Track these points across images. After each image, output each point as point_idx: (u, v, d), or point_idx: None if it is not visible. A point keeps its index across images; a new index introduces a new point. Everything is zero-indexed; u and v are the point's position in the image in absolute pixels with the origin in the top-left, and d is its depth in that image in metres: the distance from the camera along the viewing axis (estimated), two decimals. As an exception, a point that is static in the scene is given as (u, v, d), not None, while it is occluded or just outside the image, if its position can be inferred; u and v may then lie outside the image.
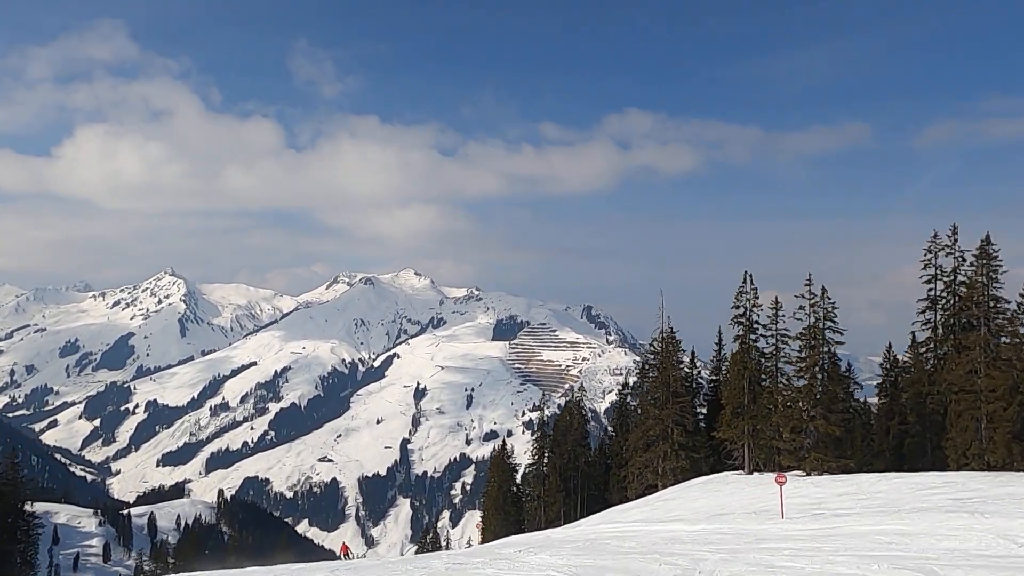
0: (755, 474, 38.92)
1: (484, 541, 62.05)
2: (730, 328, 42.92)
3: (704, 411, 50.35)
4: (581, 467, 56.30)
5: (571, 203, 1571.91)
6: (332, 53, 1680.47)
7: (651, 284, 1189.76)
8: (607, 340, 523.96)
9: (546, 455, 58.80)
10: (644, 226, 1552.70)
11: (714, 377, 51.57)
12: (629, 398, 57.06)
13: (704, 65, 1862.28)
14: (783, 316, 40.05)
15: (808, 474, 35.06)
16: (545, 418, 60.55)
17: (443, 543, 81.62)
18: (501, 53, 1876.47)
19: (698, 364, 54.70)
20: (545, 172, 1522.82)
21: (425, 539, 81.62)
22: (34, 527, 72.73)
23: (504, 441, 72.35)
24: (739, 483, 35.05)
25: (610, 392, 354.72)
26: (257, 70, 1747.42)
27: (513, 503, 62.51)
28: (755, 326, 42.01)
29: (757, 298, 42.01)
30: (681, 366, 47.80)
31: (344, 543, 49.82)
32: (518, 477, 64.83)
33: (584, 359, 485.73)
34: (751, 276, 42.17)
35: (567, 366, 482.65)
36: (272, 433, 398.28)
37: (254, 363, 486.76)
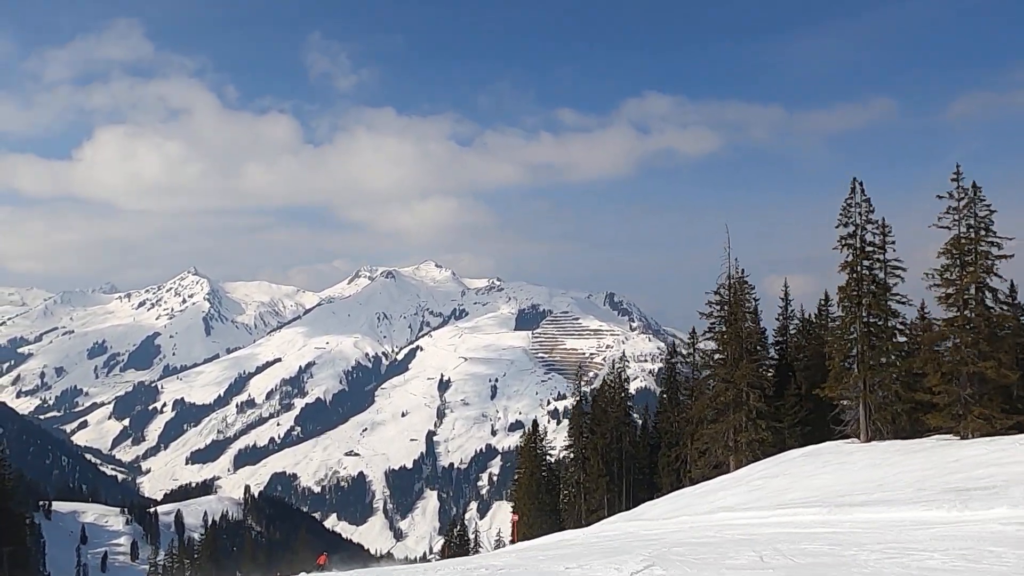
0: (875, 442, 30.97)
1: (516, 539, 58.80)
2: (837, 253, 33.32)
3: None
4: (626, 448, 50.69)
5: (590, 190, 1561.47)
6: (346, 46, 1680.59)
7: (673, 270, 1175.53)
8: (631, 327, 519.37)
9: (585, 435, 53.04)
10: (665, 212, 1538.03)
11: (779, 338, 44.59)
12: (679, 366, 49.52)
13: (723, 44, 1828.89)
14: (892, 243, 32.22)
15: (963, 436, 27.63)
16: (586, 396, 55.59)
17: (471, 536, 78.76)
18: (516, 39, 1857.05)
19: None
20: (563, 160, 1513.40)
21: (452, 532, 78.60)
22: (32, 526, 70.81)
23: (535, 421, 67.20)
24: (859, 453, 27.58)
25: (635, 378, 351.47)
26: (272, 65, 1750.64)
27: (548, 491, 57.83)
28: (869, 249, 32.78)
29: (872, 211, 32.58)
30: (751, 316, 40.12)
31: (324, 553, 44.99)
32: (552, 462, 61.02)
33: (608, 346, 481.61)
34: (862, 184, 32.73)
35: (591, 354, 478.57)
36: (298, 429, 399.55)
37: (279, 359, 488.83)
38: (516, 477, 64.09)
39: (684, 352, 48.18)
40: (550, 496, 57.29)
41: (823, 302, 44.53)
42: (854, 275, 32.94)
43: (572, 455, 54.41)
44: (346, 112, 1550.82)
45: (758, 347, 40.19)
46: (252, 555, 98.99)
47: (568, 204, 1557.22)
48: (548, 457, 60.32)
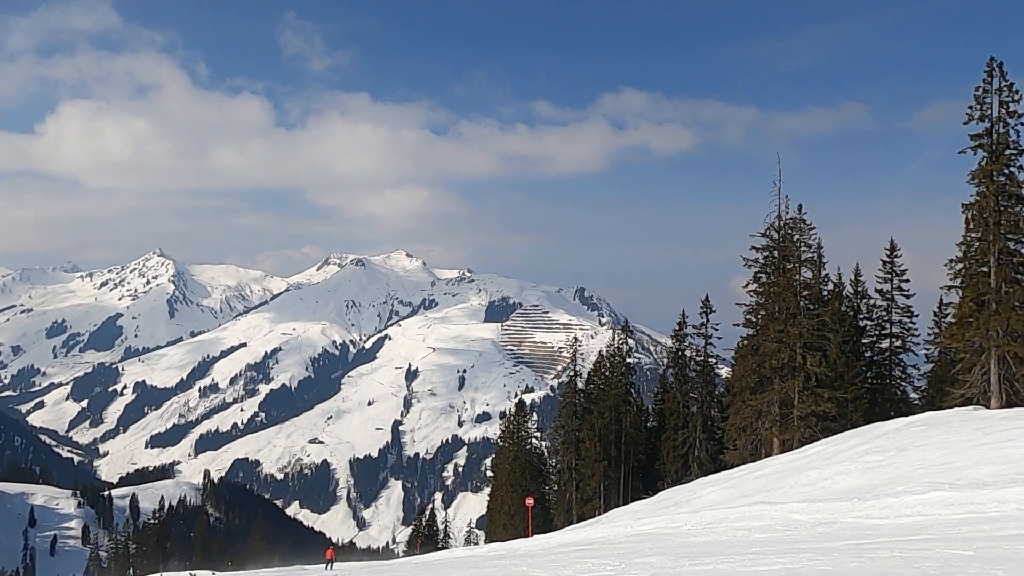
0: (1010, 409, 23.45)
1: (492, 536, 54.59)
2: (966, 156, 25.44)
3: None
4: (626, 430, 44.68)
5: (565, 184, 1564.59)
6: (321, 26, 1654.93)
7: (644, 268, 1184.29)
8: (600, 322, 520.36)
9: (579, 415, 47.55)
10: (638, 208, 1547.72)
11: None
12: (689, 339, 43.32)
13: (701, 43, 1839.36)
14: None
15: None
16: (549, 393, 52.62)
17: (440, 525, 76.94)
18: (495, 29, 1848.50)
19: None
20: (539, 152, 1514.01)
21: (420, 522, 76.45)
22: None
23: (521, 400, 61.60)
24: (1001, 422, 20.26)
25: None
26: (245, 44, 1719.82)
27: (533, 478, 52.50)
28: (1011, 152, 24.74)
29: (1016, 99, 24.62)
30: (811, 263, 33.14)
31: (330, 548, 42.66)
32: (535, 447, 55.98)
33: (577, 340, 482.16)
34: (1001, 65, 24.74)
35: (560, 348, 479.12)
36: (262, 415, 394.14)
37: (244, 344, 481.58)
38: (494, 462, 60.09)
39: (696, 325, 42.10)
40: (535, 484, 52.89)
41: (890, 252, 36.91)
42: (990, 186, 24.89)
43: (561, 438, 49.13)
44: (320, 96, 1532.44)
45: (816, 301, 33.11)
46: (205, 542, 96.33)
47: (541, 197, 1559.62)
48: (533, 439, 55.85)
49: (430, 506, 75.50)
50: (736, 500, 18.92)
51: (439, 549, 67.14)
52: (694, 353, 42.80)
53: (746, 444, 32.89)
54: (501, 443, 57.11)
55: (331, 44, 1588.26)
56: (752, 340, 34.60)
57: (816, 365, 30.78)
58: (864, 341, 36.75)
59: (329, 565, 35.25)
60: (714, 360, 42.17)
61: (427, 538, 71.01)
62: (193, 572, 50.14)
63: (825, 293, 35.48)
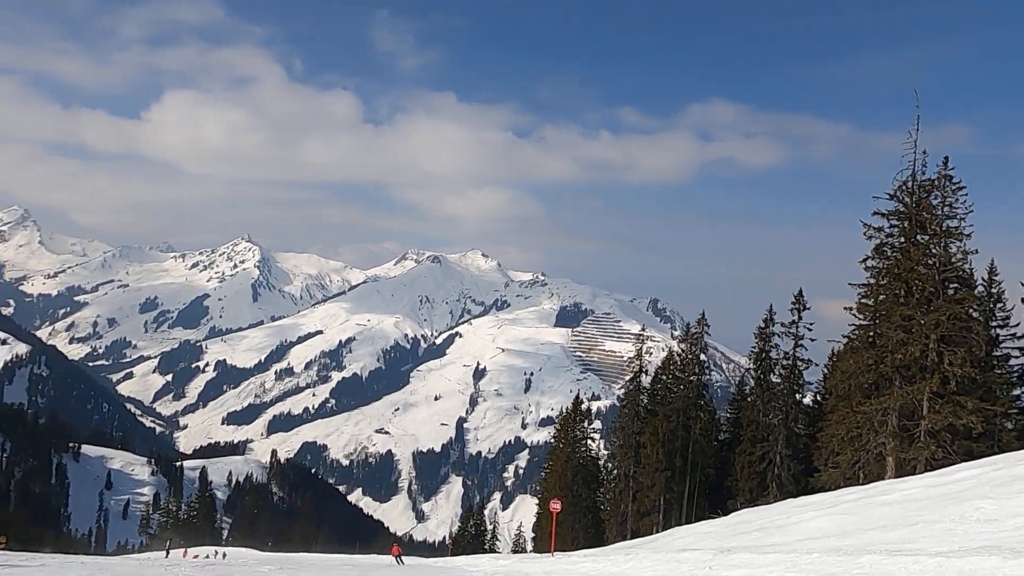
0: None
1: (540, 543, 52.26)
2: None
3: None
4: (695, 438, 39.61)
5: (645, 193, 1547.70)
6: (413, 24, 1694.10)
7: (721, 283, 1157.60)
8: (672, 335, 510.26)
9: (641, 417, 42.70)
10: (719, 222, 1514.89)
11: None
12: (776, 339, 37.15)
13: (795, 58, 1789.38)
14: None
15: None
16: (615, 403, 48.25)
17: (488, 527, 76.13)
18: (583, 33, 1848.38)
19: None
20: (621, 160, 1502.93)
21: (468, 522, 75.45)
22: (59, 467, 71.48)
23: (577, 397, 56.00)
24: None
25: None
26: (339, 40, 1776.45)
27: (586, 484, 48.21)
28: None
29: None
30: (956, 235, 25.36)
31: (396, 545, 42.94)
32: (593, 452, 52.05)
33: (648, 352, 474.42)
34: None
35: (629, 358, 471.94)
36: (333, 401, 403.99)
37: (320, 332, 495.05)
38: (547, 464, 56.77)
39: (785, 323, 36.08)
40: (588, 491, 48.67)
41: None
42: None
43: (620, 442, 44.08)
44: (408, 93, 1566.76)
45: (962, 282, 25.95)
46: (266, 520, 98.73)
47: (621, 205, 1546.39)
48: (590, 441, 51.57)
49: (478, 507, 74.04)
50: (857, 533, 13.94)
51: (484, 551, 66.44)
52: (780, 356, 36.76)
53: (850, 461, 26.75)
54: (554, 443, 54.23)
55: (421, 42, 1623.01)
56: (868, 331, 27.37)
57: (958, 365, 23.49)
58: (996, 353, 29.31)
59: (399, 560, 36.18)
60: (804, 365, 36.17)
61: (474, 538, 70.19)
62: (217, 549, 51.31)
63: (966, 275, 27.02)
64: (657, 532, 37.37)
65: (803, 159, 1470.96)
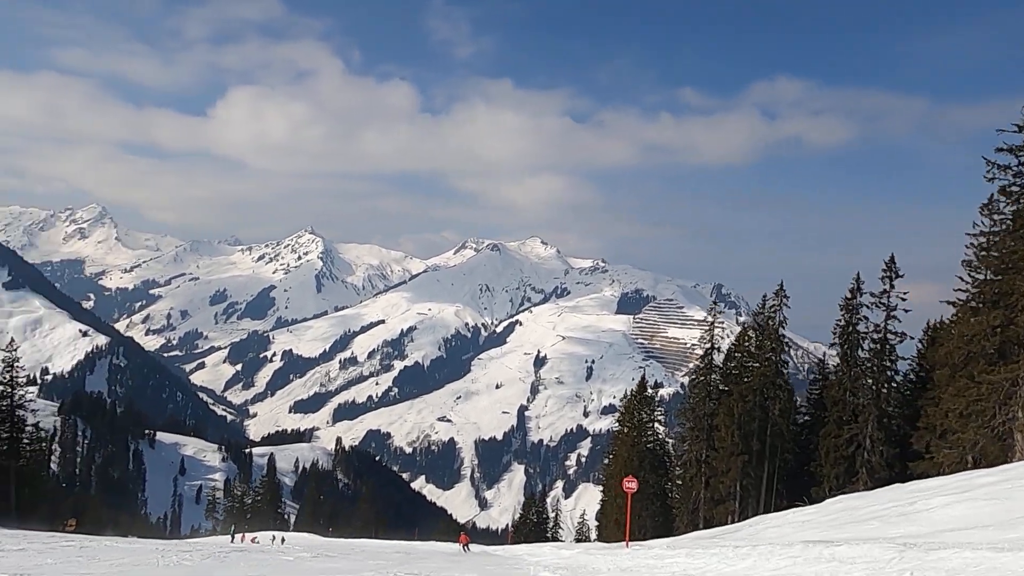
0: None
1: (604, 532, 50.73)
2: None
3: None
4: (773, 419, 36.25)
5: (707, 176, 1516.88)
6: (467, 12, 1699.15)
7: (788, 268, 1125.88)
8: (737, 321, 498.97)
9: (713, 397, 39.84)
10: (786, 204, 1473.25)
11: None
12: (864, 311, 33.44)
13: (865, 29, 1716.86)
14: None
15: None
16: (679, 391, 43.50)
17: (551, 515, 74.68)
18: (641, 14, 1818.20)
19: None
20: (682, 142, 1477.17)
21: (529, 510, 74.22)
22: (136, 453, 73.05)
23: (643, 378, 53.20)
24: None
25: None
26: (395, 30, 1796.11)
27: (654, 470, 45.39)
28: None
29: None
30: None
31: (464, 534, 42.15)
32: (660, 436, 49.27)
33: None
34: None
35: (692, 345, 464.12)
36: (395, 390, 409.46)
37: (382, 321, 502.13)
38: (611, 450, 54.43)
39: (875, 292, 32.45)
40: (655, 477, 45.77)
41: None
42: None
43: (691, 423, 41.33)
44: (464, 82, 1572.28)
45: None
46: (331, 505, 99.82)
47: (682, 189, 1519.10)
48: (657, 424, 48.50)
49: (539, 495, 72.63)
50: (1018, 524, 11.41)
51: (546, 540, 64.96)
52: (870, 329, 33.20)
53: (973, 438, 23.17)
54: (618, 428, 51.73)
55: (476, 30, 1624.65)
56: (991, 287, 24.01)
57: None
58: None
59: (465, 548, 35.70)
60: (897, 339, 32.64)
61: (535, 526, 68.75)
62: (275, 534, 51.25)
63: None
64: (733, 521, 34.87)
65: (874, 136, 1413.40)
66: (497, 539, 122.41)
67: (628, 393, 52.77)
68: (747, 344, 39.79)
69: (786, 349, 37.66)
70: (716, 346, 41.82)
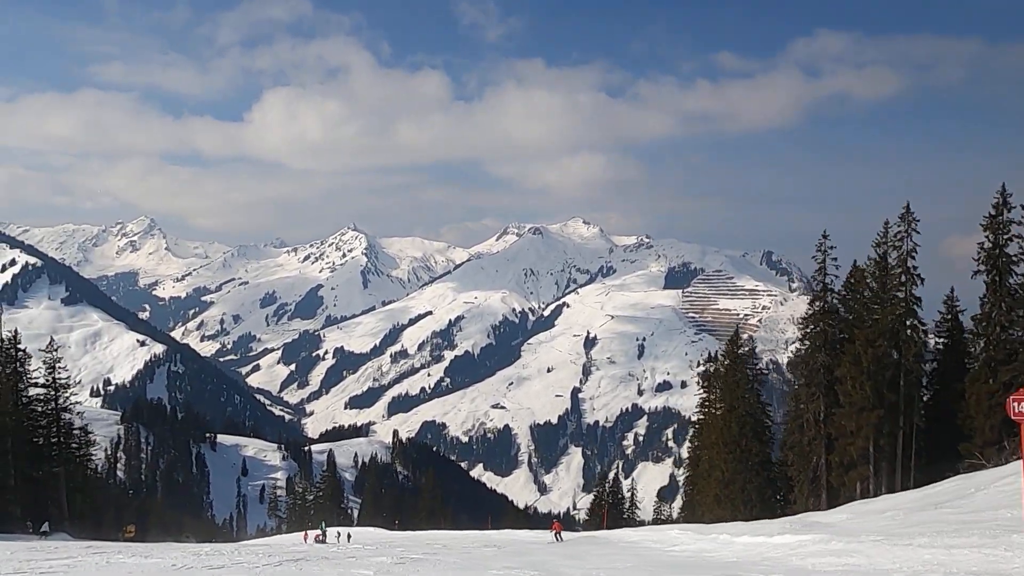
0: None
1: (693, 510, 46.14)
2: None
3: None
4: (907, 366, 31.59)
5: (750, 142, 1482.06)
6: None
7: (838, 229, 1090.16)
8: (790, 288, 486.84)
9: (830, 341, 34.86)
10: (832, 165, 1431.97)
11: None
12: (1014, 229, 28.94)
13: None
14: None
15: None
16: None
17: (625, 494, 71.01)
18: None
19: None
20: (722, 109, 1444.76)
21: (603, 488, 70.15)
22: (198, 457, 71.97)
23: (737, 332, 47.74)
24: None
25: (794, 343, 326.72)
26: (423, 18, 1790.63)
27: (757, 437, 39.90)
28: None
29: None
30: None
31: (557, 521, 38.72)
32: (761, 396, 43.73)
33: (764, 307, 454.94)
34: None
35: (745, 315, 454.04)
36: (447, 380, 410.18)
37: (430, 313, 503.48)
38: (698, 419, 49.31)
39: None
40: (759, 444, 39.73)
41: None
42: None
43: (804, 379, 36.22)
44: (495, 66, 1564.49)
45: None
46: (392, 498, 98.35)
47: (724, 157, 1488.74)
48: (756, 385, 42.75)
49: (612, 473, 69.26)
50: None
51: (626, 521, 61.55)
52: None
53: None
54: (705, 394, 47.05)
55: (505, 10, 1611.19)
56: None
57: None
58: None
59: (558, 536, 32.72)
60: None
61: (611, 507, 65.33)
62: (340, 530, 48.37)
63: None
64: (869, 490, 30.23)
65: (926, 85, 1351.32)
66: (565, 523, 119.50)
67: (716, 354, 48.80)
68: (867, 281, 34.24)
69: (917, 283, 32.40)
70: (828, 285, 36.27)
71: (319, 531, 47.63)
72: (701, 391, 50.27)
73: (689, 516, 49.07)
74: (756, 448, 39.45)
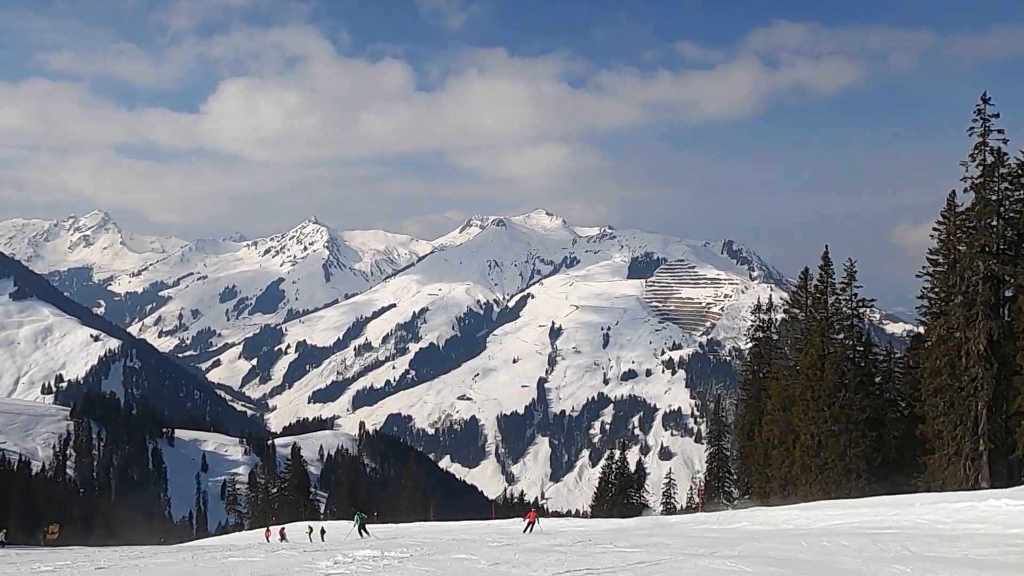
0: None
1: (753, 487, 38.20)
2: None
3: None
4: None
5: (711, 132, 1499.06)
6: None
7: (797, 219, 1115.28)
8: (750, 276, 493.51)
9: (988, 231, 27.81)
10: (791, 154, 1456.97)
11: None
12: None
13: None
14: None
15: None
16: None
17: (632, 474, 64.54)
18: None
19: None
20: (683, 99, 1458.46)
21: (610, 469, 63.78)
22: (155, 452, 68.86)
23: (827, 250, 35.84)
24: None
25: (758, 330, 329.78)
26: (384, 6, 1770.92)
27: (861, 386, 32.51)
28: None
29: None
30: None
31: (532, 511, 35.92)
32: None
33: (726, 296, 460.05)
34: None
35: (707, 304, 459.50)
36: (413, 372, 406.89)
37: (394, 305, 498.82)
38: (748, 374, 41.73)
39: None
40: (863, 395, 31.77)
41: None
42: None
43: (941, 294, 27.98)
44: (457, 54, 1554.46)
45: None
46: (364, 490, 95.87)
47: (686, 147, 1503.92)
48: (856, 320, 34.05)
49: (620, 456, 64.20)
50: None
51: (635, 506, 58.24)
52: None
53: None
54: (788, 318, 37.62)
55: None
56: None
57: None
58: None
59: (530, 527, 30.50)
60: None
61: (619, 491, 60.79)
62: (311, 524, 46.03)
63: None
64: None
65: (878, 76, 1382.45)
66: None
67: (805, 273, 37.96)
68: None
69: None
70: (999, 151, 28.40)
71: (282, 526, 45.42)
72: (754, 338, 42.47)
73: (755, 496, 40.23)
74: (860, 400, 31.56)
